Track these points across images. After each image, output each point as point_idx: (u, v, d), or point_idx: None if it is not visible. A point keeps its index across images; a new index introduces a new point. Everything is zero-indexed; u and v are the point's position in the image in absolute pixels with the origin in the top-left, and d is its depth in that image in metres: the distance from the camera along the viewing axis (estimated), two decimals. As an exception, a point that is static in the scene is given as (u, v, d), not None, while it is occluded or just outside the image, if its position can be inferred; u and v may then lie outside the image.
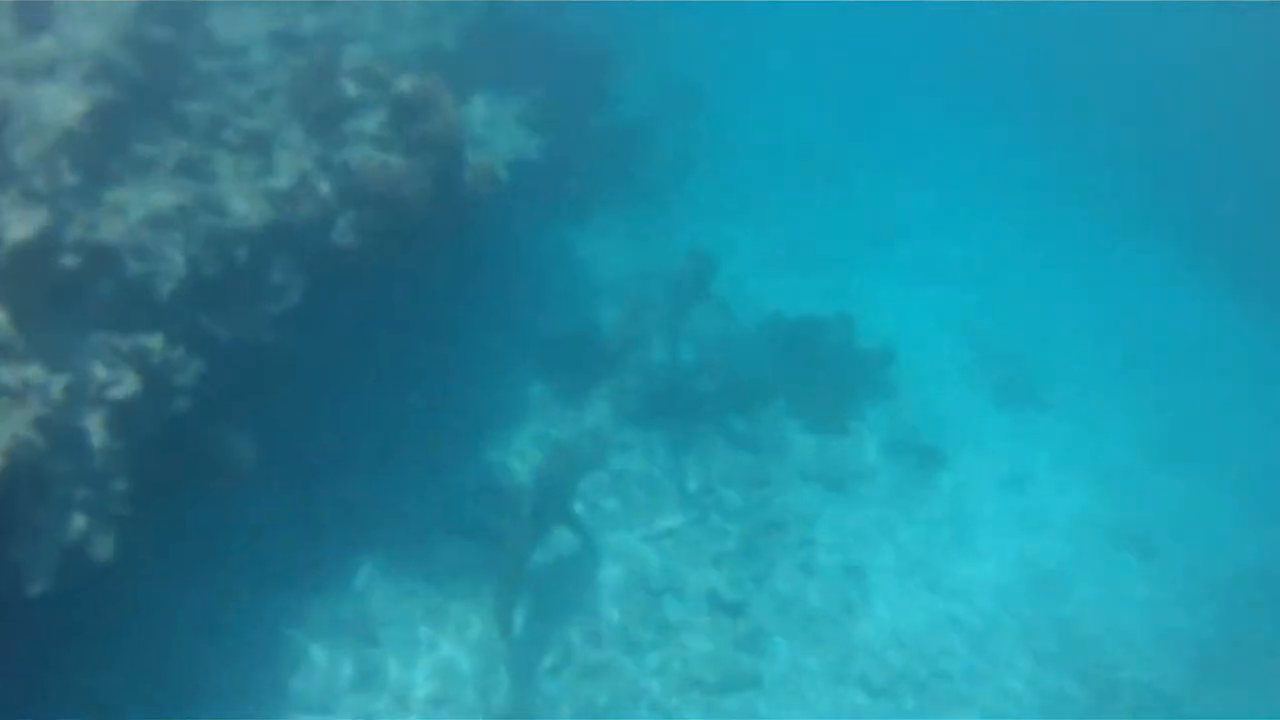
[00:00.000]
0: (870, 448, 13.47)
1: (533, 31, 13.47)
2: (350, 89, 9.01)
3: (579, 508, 11.04)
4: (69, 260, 6.83)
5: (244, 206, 8.20)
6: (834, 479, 12.85)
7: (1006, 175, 22.41)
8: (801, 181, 18.94)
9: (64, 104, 7.36)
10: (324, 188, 8.70)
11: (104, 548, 6.46)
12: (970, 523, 13.14)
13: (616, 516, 11.48)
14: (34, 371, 6.37)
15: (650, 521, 11.54)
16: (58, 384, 6.41)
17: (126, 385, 6.85)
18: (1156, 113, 25.52)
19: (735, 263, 14.75)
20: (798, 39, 24.32)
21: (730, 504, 12.05)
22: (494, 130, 11.68)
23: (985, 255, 19.25)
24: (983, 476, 13.90)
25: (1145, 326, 18.81)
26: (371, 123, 8.90)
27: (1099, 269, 20.44)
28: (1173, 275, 20.86)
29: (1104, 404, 16.18)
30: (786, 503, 12.32)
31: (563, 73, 13.70)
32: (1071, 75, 26.36)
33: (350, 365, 10.77)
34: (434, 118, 8.59)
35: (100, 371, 6.79)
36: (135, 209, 7.47)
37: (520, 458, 11.58)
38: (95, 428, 6.60)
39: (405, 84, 8.70)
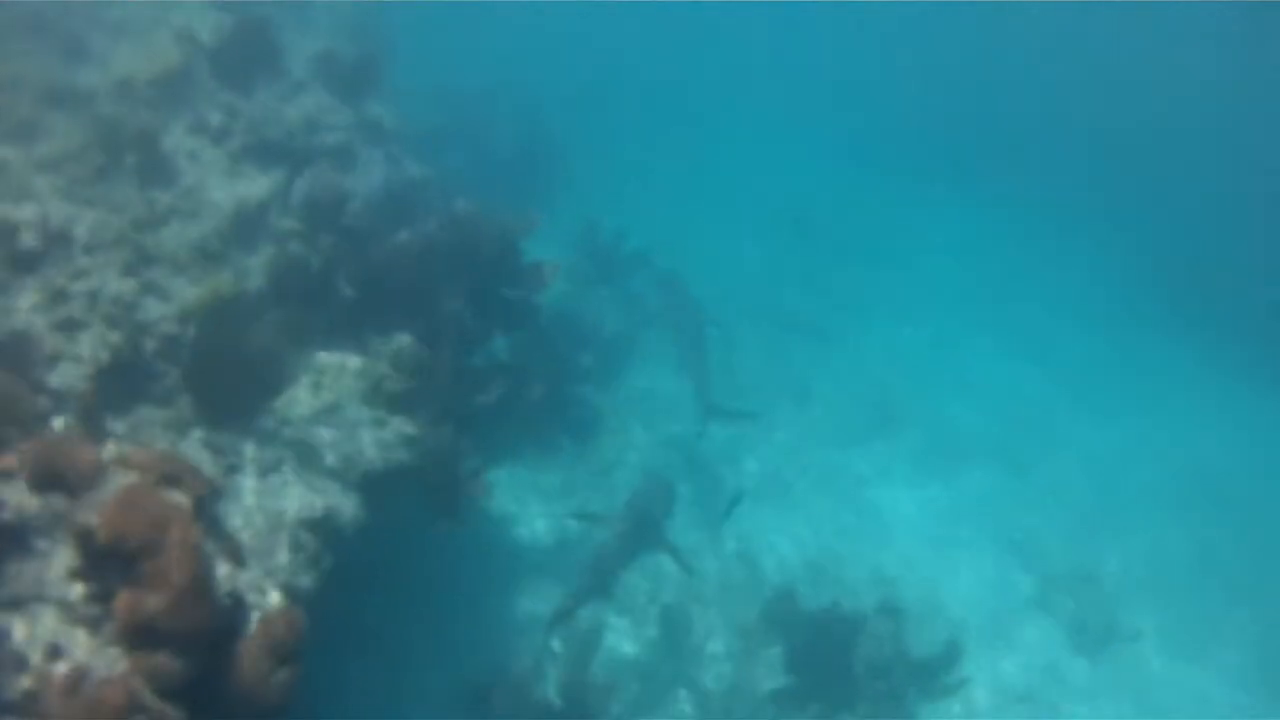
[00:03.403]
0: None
1: (396, 232, 9.08)
2: (11, 504, 4.82)
3: None
4: None
5: None
6: None
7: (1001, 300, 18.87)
8: (774, 365, 14.91)
9: None
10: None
11: None
12: None
13: None
14: None
15: None
16: None
17: None
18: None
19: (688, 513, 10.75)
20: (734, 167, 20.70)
21: None
22: (329, 424, 7.46)
23: (998, 414, 15.43)
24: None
25: (1210, 478, 15.11)
26: (58, 573, 4.73)
27: (1134, 401, 16.81)
28: (1225, 397, 17.33)
29: (1196, 618, 12.38)
30: None
31: (448, 286, 9.35)
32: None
33: None
34: (158, 573, 4.41)
35: None
36: None
37: None
38: None
39: (95, 513, 4.53)
